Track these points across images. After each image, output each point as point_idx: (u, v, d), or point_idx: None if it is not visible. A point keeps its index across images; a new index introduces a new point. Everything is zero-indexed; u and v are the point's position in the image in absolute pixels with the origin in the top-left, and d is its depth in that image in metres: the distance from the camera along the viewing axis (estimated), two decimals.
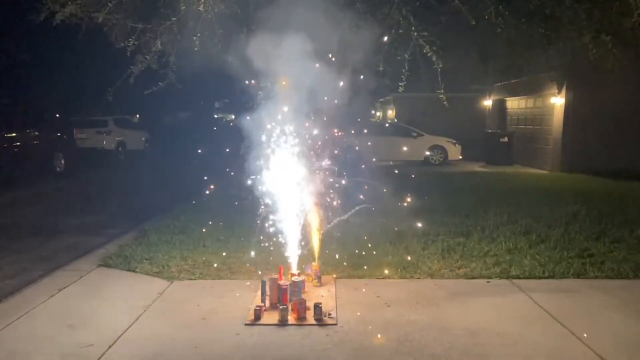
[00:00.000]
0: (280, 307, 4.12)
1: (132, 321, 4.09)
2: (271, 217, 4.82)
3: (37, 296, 4.62)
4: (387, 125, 20.23)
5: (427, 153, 17.43)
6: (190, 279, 5.15)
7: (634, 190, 10.53)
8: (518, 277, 5.12)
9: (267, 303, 4.31)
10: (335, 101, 4.62)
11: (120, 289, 4.88)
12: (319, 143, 4.78)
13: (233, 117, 37.44)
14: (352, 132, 5.48)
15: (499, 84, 18.51)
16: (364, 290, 4.78)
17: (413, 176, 10.10)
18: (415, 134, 17.60)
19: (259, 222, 4.87)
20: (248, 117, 4.58)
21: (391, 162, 15.90)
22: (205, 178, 5.75)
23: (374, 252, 5.60)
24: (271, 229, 4.88)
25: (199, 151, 8.27)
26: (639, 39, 6.00)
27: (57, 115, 18.37)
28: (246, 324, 4.03)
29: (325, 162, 4.84)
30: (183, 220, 7.47)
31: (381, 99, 25.69)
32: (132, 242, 6.44)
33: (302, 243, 4.99)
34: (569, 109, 14.08)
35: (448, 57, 5.85)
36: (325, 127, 4.75)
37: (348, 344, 3.70)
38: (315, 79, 4.39)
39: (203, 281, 5.11)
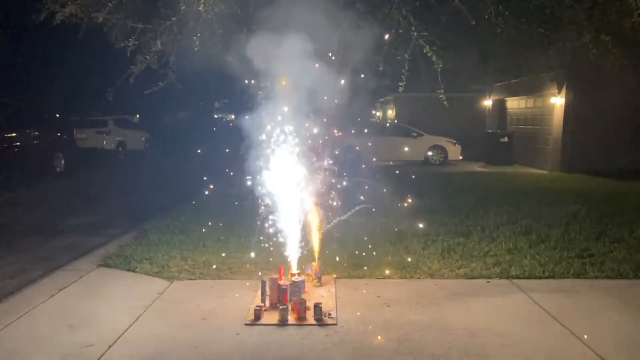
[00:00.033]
0: (280, 307, 4.12)
1: (132, 321, 4.09)
2: (271, 217, 4.82)
3: (37, 296, 4.62)
4: (387, 125, 20.22)
5: (427, 153, 17.44)
6: (190, 279, 5.15)
7: (634, 190, 10.54)
8: (518, 277, 5.12)
9: (267, 303, 4.31)
10: (335, 101, 4.62)
11: (120, 289, 4.89)
12: (319, 143, 4.78)
13: (233, 117, 37.49)
14: (352, 132, 5.49)
15: (499, 84, 18.51)
16: (364, 290, 4.78)
17: (413, 176, 10.10)
18: (416, 134, 17.60)
19: (259, 222, 4.87)
20: (248, 117, 4.57)
21: (391, 162, 15.91)
22: (205, 178, 5.76)
23: (374, 252, 5.60)
24: (271, 229, 4.87)
25: (199, 151, 8.28)
26: (639, 39, 5.99)
27: (57, 115, 18.35)
28: (246, 324, 4.03)
29: (326, 162, 4.84)
30: (183, 220, 7.47)
31: (381, 99, 25.66)
32: (132, 242, 6.44)
33: (302, 243, 4.99)
34: (569, 109, 14.08)
35: (448, 57, 5.85)
36: (325, 127, 4.75)
37: (348, 344, 3.70)
38: (315, 79, 4.38)
39: (203, 281, 5.11)
